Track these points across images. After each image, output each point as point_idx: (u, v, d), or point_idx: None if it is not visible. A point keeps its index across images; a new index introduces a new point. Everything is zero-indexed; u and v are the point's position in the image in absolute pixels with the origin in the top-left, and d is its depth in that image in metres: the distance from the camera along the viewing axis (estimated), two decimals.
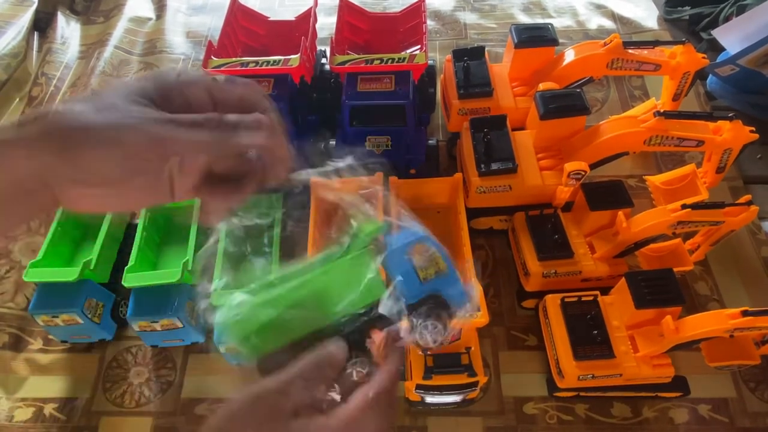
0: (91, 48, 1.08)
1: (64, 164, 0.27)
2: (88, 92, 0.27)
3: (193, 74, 0.31)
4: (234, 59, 0.75)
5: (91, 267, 0.66)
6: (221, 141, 0.29)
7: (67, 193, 0.28)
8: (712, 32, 0.84)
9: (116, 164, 0.28)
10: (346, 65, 0.74)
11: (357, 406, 0.32)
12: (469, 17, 1.10)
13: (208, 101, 0.31)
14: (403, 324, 0.37)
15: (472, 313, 0.38)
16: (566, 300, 0.63)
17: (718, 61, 0.84)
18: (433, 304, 0.37)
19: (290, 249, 0.69)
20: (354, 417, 0.31)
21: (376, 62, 0.73)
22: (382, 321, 0.37)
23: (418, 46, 0.81)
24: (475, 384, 0.58)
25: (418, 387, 0.58)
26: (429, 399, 0.61)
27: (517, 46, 0.76)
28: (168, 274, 0.65)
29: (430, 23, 1.08)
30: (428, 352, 0.59)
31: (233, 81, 0.31)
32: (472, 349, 0.59)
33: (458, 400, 0.62)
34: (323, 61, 0.89)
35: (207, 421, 0.31)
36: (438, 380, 0.58)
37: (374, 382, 0.33)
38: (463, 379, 0.58)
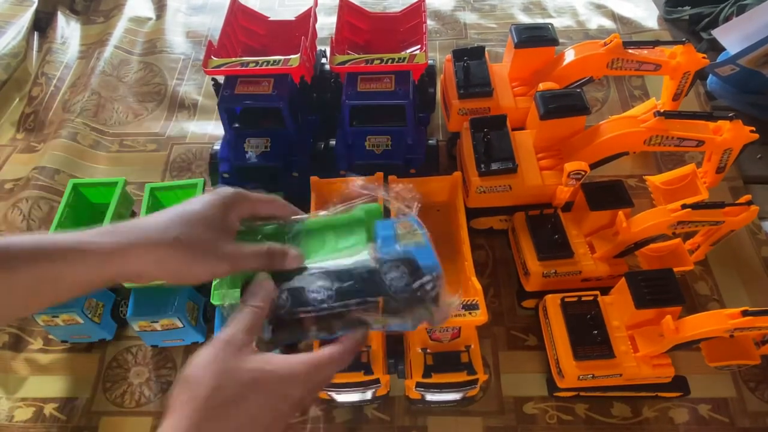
0: (91, 48, 1.08)
1: (164, 272, 0.38)
2: (175, 213, 0.41)
3: (243, 199, 0.43)
4: (234, 59, 0.75)
5: None
6: (273, 265, 0.42)
7: (154, 280, 0.39)
8: (712, 32, 0.84)
9: (205, 278, 0.40)
10: (346, 65, 0.74)
11: (322, 355, 0.38)
12: (469, 17, 1.10)
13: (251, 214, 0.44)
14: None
15: (441, 282, 0.42)
16: (566, 300, 0.63)
17: (718, 61, 0.84)
18: (404, 262, 0.42)
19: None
20: (315, 362, 0.38)
21: (376, 62, 0.73)
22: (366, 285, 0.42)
23: (418, 46, 0.81)
24: (474, 382, 0.58)
25: (419, 385, 0.59)
26: (429, 397, 0.61)
27: (517, 46, 0.76)
28: None
29: (430, 23, 1.08)
30: (427, 351, 0.59)
31: (261, 199, 0.45)
32: (472, 347, 0.59)
33: (458, 398, 0.62)
34: (323, 61, 0.89)
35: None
36: (438, 378, 0.58)
37: (341, 344, 0.40)
38: (462, 377, 0.58)
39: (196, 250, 0.38)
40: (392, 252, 0.42)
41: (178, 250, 0.38)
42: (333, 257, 0.43)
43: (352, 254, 0.43)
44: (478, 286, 0.59)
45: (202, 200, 0.41)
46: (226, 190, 0.42)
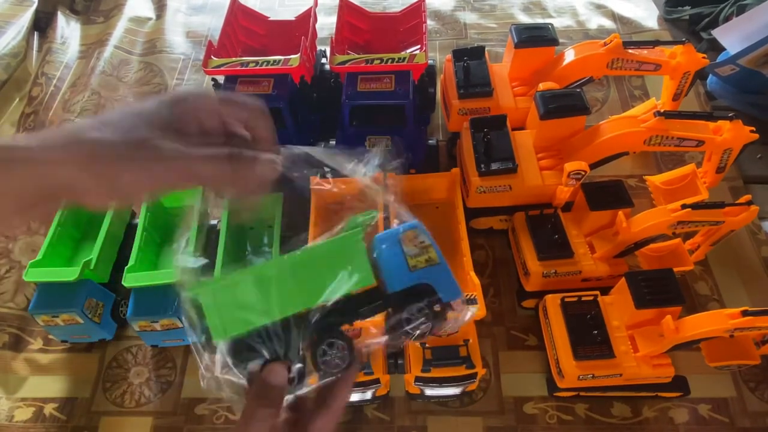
0: (91, 48, 1.08)
1: (91, 179, 0.31)
2: (113, 113, 0.33)
3: (204, 98, 0.34)
4: (234, 59, 0.75)
5: (91, 267, 0.66)
6: (239, 174, 0.33)
7: (88, 197, 0.32)
8: (712, 32, 0.84)
9: (142, 187, 0.32)
10: (346, 65, 0.74)
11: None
12: (469, 17, 1.10)
13: (219, 125, 0.35)
14: (372, 329, 0.37)
15: (462, 311, 0.37)
16: (566, 300, 0.63)
17: (718, 61, 0.84)
18: (421, 295, 0.36)
19: (290, 249, 0.69)
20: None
21: (376, 62, 0.73)
22: (365, 312, 0.36)
23: (418, 46, 0.81)
24: (473, 376, 0.58)
25: (417, 379, 0.59)
26: (428, 392, 0.61)
27: (517, 46, 0.76)
28: (168, 274, 0.65)
29: (430, 23, 1.08)
30: (425, 345, 0.59)
31: (237, 101, 0.35)
32: (470, 341, 0.60)
33: (458, 393, 0.62)
34: (323, 61, 0.89)
35: None
36: (437, 372, 0.58)
37: (333, 411, 0.36)
38: (461, 370, 0.58)
39: (123, 147, 0.31)
40: (403, 281, 0.36)
41: (103, 148, 0.31)
42: (332, 298, 0.35)
43: (353, 293, 0.36)
44: (477, 280, 0.59)
45: (152, 99, 0.34)
46: (187, 89, 0.34)
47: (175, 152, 0.32)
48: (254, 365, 0.36)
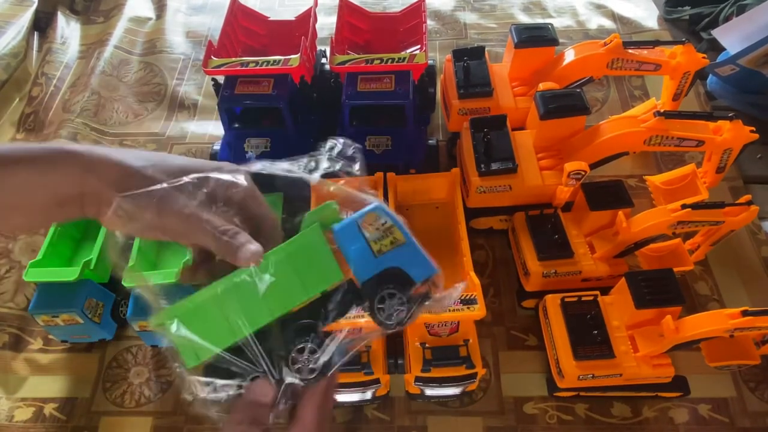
0: (91, 48, 1.08)
1: (110, 199, 0.34)
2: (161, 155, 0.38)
3: (241, 187, 0.38)
4: (234, 59, 0.75)
5: (91, 267, 0.66)
6: (223, 252, 0.35)
7: (97, 212, 0.36)
8: (712, 32, 0.84)
9: (151, 226, 0.35)
10: (346, 65, 0.74)
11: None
12: (469, 17, 1.10)
13: (238, 205, 0.38)
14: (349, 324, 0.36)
15: (439, 288, 0.35)
16: (566, 300, 0.63)
17: (718, 61, 0.84)
18: (392, 279, 0.34)
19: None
20: None
21: (376, 62, 0.73)
22: (338, 310, 0.35)
23: (418, 46, 0.81)
24: (473, 376, 0.58)
25: (417, 379, 0.59)
26: (429, 392, 0.61)
27: (517, 46, 0.76)
28: (168, 274, 0.64)
29: (430, 23, 1.08)
30: (426, 345, 0.59)
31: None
32: (470, 341, 0.59)
33: (458, 393, 0.62)
34: (323, 61, 0.89)
35: None
36: (437, 372, 0.58)
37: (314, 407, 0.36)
38: (461, 371, 0.58)
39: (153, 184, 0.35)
40: (371, 269, 0.34)
41: (137, 180, 0.35)
42: (300, 303, 0.34)
43: (325, 291, 0.35)
44: (477, 280, 0.59)
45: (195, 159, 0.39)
46: (231, 166, 0.38)
47: (189, 210, 0.35)
48: (235, 384, 0.35)
